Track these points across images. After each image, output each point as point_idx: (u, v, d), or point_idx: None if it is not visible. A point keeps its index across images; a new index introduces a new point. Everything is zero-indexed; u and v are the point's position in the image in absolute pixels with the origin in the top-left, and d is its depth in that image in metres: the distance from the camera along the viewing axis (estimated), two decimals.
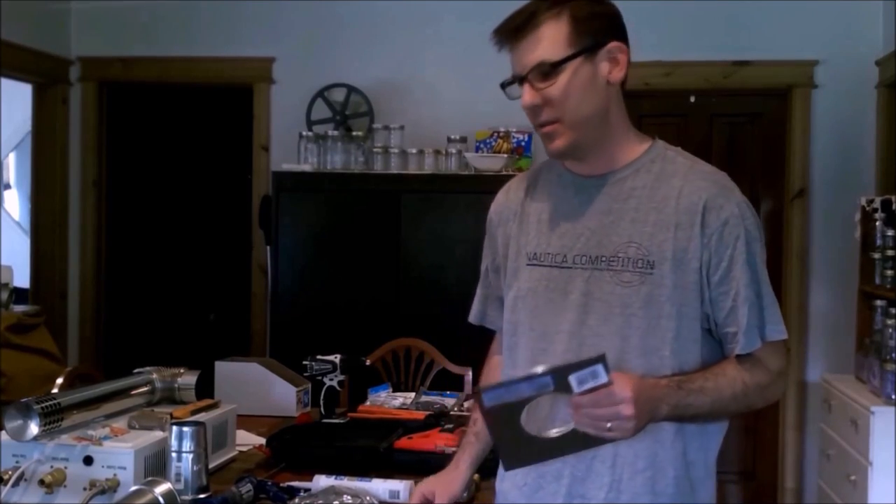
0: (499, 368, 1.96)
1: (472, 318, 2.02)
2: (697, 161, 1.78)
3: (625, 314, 1.70)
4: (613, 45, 1.71)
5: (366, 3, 5.08)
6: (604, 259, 1.72)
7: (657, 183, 1.73)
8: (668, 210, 1.70)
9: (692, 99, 5.05)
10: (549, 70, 1.67)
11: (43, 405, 2.29)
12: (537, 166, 1.94)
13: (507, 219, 1.89)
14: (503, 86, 1.76)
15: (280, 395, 3.33)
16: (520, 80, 1.71)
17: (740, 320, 1.69)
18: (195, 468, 2.23)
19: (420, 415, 3.21)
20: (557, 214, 1.80)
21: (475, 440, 2.01)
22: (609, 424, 1.50)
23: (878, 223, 4.16)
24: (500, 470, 1.87)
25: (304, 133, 4.78)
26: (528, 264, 1.81)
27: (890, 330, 3.85)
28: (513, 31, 1.69)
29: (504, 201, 1.93)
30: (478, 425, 2.00)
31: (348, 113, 4.94)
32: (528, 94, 1.70)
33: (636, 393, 1.51)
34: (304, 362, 3.31)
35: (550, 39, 1.67)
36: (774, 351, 1.74)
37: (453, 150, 4.66)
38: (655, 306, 1.69)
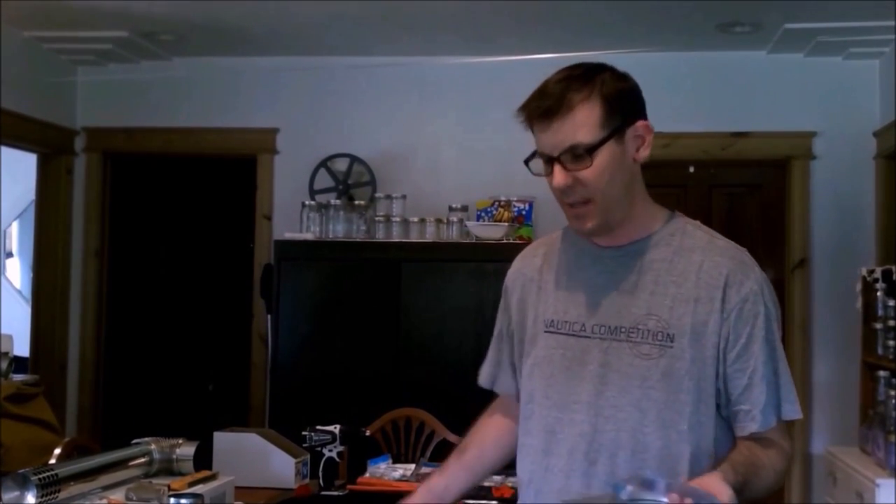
0: (491, 429, 1.97)
1: (483, 380, 1.99)
2: (716, 236, 1.78)
3: (643, 387, 1.68)
4: (640, 124, 1.73)
5: (368, 75, 5.15)
6: (622, 330, 1.71)
7: (677, 256, 1.73)
8: (688, 284, 1.70)
9: (691, 169, 5.09)
10: (583, 153, 1.67)
11: (40, 476, 2.27)
12: (555, 234, 1.92)
13: (523, 286, 1.88)
14: (527, 161, 1.75)
15: (278, 466, 3.29)
16: (549, 159, 1.70)
17: (758, 398, 1.67)
18: None
19: None
20: (576, 283, 1.80)
21: (466, 467, 1.97)
22: None
23: (879, 293, 4.15)
24: None
25: (307, 202, 4.81)
26: (545, 331, 1.80)
27: (893, 401, 3.83)
28: (545, 113, 1.67)
29: (520, 268, 1.92)
30: (467, 455, 1.97)
31: (351, 182, 4.97)
32: (560, 176, 1.68)
33: None
34: (303, 433, 3.29)
35: (584, 123, 1.66)
36: (784, 431, 1.73)
37: (454, 219, 4.69)
38: (674, 380, 1.67)
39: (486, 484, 3.19)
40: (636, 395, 1.68)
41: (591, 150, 1.66)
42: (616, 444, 1.68)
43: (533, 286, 1.86)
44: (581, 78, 1.69)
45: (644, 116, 1.75)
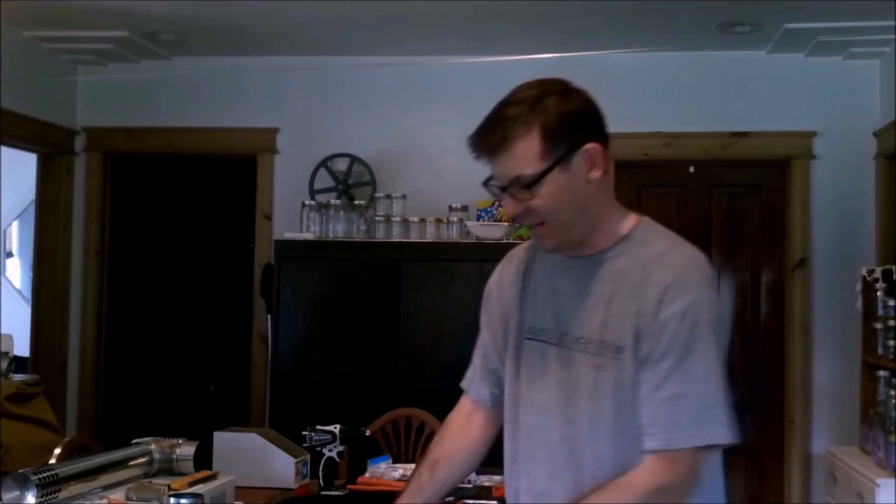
0: (460, 443, 1.97)
1: (463, 383, 2.03)
2: (676, 245, 1.77)
3: (596, 398, 1.72)
4: (588, 146, 1.70)
5: (368, 75, 5.15)
6: (583, 340, 1.75)
7: (633, 268, 1.73)
8: (636, 297, 1.70)
9: (691, 169, 5.09)
10: (526, 185, 1.69)
11: (40, 476, 2.27)
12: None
13: (507, 292, 1.91)
14: (485, 183, 1.79)
15: (279, 466, 3.29)
16: (500, 188, 1.74)
17: (656, 414, 1.65)
18: None
19: None
20: (549, 291, 1.83)
21: (438, 482, 1.96)
22: None
23: (879, 293, 4.15)
24: None
25: (307, 202, 4.81)
26: (526, 338, 1.84)
27: (893, 401, 3.83)
28: (486, 148, 1.71)
29: (506, 274, 1.94)
30: (439, 470, 1.96)
31: (351, 182, 4.97)
32: (509, 205, 1.74)
33: None
34: (304, 433, 3.29)
35: (524, 156, 1.68)
36: (674, 462, 1.65)
37: (454, 219, 4.69)
38: (622, 391, 1.69)
39: (486, 484, 3.19)
40: (590, 405, 1.72)
41: (532, 183, 1.68)
42: (582, 451, 1.73)
43: (514, 291, 1.89)
44: (524, 106, 1.69)
45: (596, 136, 1.72)
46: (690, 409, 1.63)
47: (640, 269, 1.72)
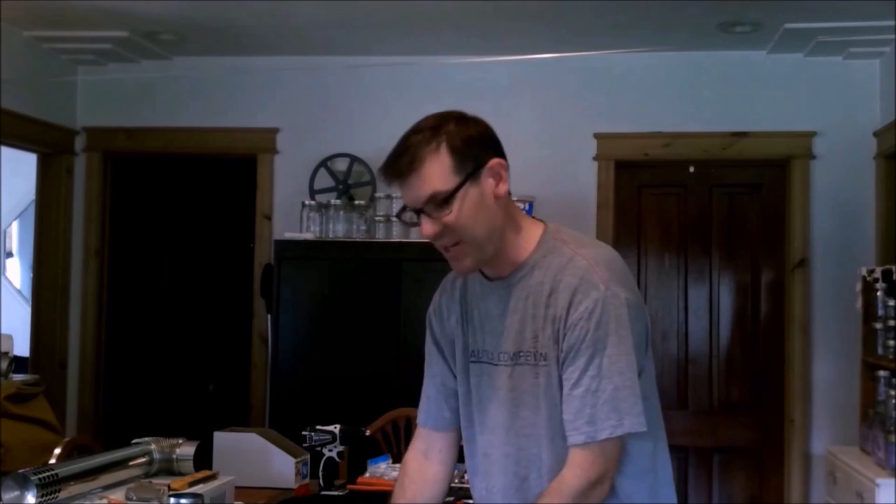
0: (414, 476, 2.01)
1: (420, 418, 2.07)
2: (581, 247, 1.84)
3: (536, 406, 1.81)
4: (493, 162, 1.80)
5: (368, 75, 5.15)
6: (521, 355, 1.83)
7: (546, 279, 1.82)
8: (552, 305, 1.79)
9: (691, 169, 5.08)
10: (442, 201, 1.76)
11: (40, 476, 2.28)
12: None
13: (448, 319, 2.00)
14: (398, 215, 1.87)
15: (279, 466, 3.29)
16: (416, 212, 1.80)
17: (576, 409, 1.74)
18: None
19: None
20: (482, 314, 1.91)
21: None
22: None
23: (879, 293, 4.15)
24: None
25: (307, 202, 4.81)
26: (470, 361, 1.93)
27: (893, 401, 3.83)
28: (399, 174, 1.79)
29: (446, 301, 2.02)
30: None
31: (351, 182, 4.97)
32: (427, 226, 1.79)
33: None
34: (303, 433, 3.29)
35: (437, 173, 1.76)
36: (598, 454, 1.74)
37: None
38: (551, 396, 1.79)
39: None
40: (532, 415, 1.81)
41: (449, 197, 1.75)
42: (531, 461, 1.82)
43: (454, 317, 1.98)
44: (427, 132, 1.79)
45: (498, 154, 1.82)
46: (607, 402, 1.72)
47: (552, 279, 1.80)
